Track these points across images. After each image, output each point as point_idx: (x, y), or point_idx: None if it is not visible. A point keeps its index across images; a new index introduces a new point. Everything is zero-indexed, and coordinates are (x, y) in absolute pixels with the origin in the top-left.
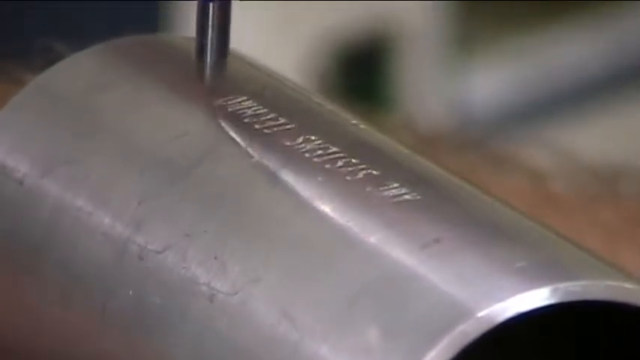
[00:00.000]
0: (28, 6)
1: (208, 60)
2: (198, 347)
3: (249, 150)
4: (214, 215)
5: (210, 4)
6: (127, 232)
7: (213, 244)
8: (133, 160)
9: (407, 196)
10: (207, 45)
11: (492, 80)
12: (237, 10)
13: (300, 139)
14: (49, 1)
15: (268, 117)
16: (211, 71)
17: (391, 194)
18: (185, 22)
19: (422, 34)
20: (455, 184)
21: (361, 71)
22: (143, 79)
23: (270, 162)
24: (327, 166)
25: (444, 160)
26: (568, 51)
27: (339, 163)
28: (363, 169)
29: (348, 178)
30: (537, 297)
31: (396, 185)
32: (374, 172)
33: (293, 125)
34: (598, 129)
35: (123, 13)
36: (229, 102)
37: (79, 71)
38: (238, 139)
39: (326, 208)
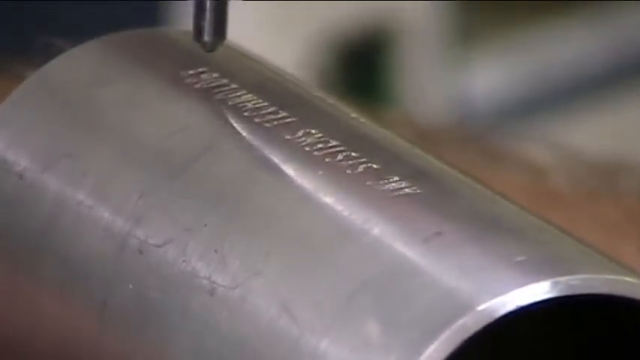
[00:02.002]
0: (29, 3)
1: (206, 41)
2: (198, 341)
3: (250, 144)
4: (214, 209)
5: None
6: (128, 226)
7: (214, 238)
8: (133, 154)
9: (407, 190)
10: (204, 27)
11: (492, 75)
12: (238, 6)
13: (301, 133)
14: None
15: (268, 111)
16: (208, 53)
17: (391, 188)
18: (184, 21)
19: (422, 30)
20: (455, 177)
21: (361, 67)
22: (143, 74)
23: (271, 156)
24: (327, 159)
25: (443, 155)
26: (568, 47)
27: (340, 157)
28: (363, 162)
29: (349, 171)
30: (537, 290)
31: (396, 179)
32: (374, 166)
33: (293, 119)
34: (598, 124)
35: (122, 10)
36: (229, 96)
37: (79, 66)
38: (238, 133)
39: (326, 201)
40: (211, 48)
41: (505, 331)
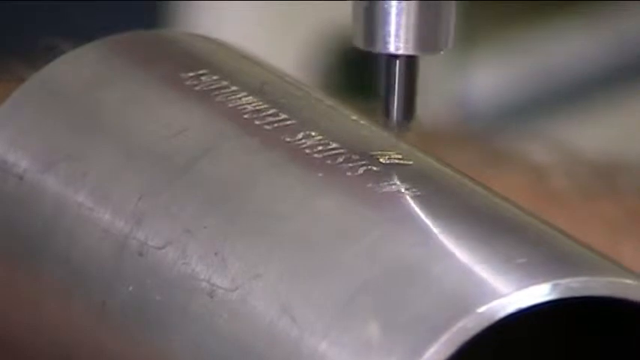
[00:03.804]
0: (30, 5)
1: (394, 118)
2: (198, 343)
3: (250, 146)
4: (214, 211)
5: (397, 62)
6: (127, 227)
7: (214, 240)
8: (133, 155)
9: (407, 192)
10: (392, 103)
11: (493, 76)
12: (238, 6)
13: (301, 135)
14: (51, 1)
15: (268, 113)
16: (397, 130)
17: (392, 190)
18: (184, 22)
19: None
20: (455, 179)
21: (362, 67)
22: (143, 75)
23: (271, 158)
24: (327, 162)
25: (444, 155)
26: (569, 47)
27: (340, 159)
28: (363, 165)
29: (349, 174)
30: (538, 293)
31: (396, 181)
32: (374, 168)
33: (293, 121)
34: (598, 124)
35: (122, 12)
36: (229, 98)
37: (80, 67)
38: (238, 136)
39: (326, 204)
40: (400, 128)
41: (505, 333)
